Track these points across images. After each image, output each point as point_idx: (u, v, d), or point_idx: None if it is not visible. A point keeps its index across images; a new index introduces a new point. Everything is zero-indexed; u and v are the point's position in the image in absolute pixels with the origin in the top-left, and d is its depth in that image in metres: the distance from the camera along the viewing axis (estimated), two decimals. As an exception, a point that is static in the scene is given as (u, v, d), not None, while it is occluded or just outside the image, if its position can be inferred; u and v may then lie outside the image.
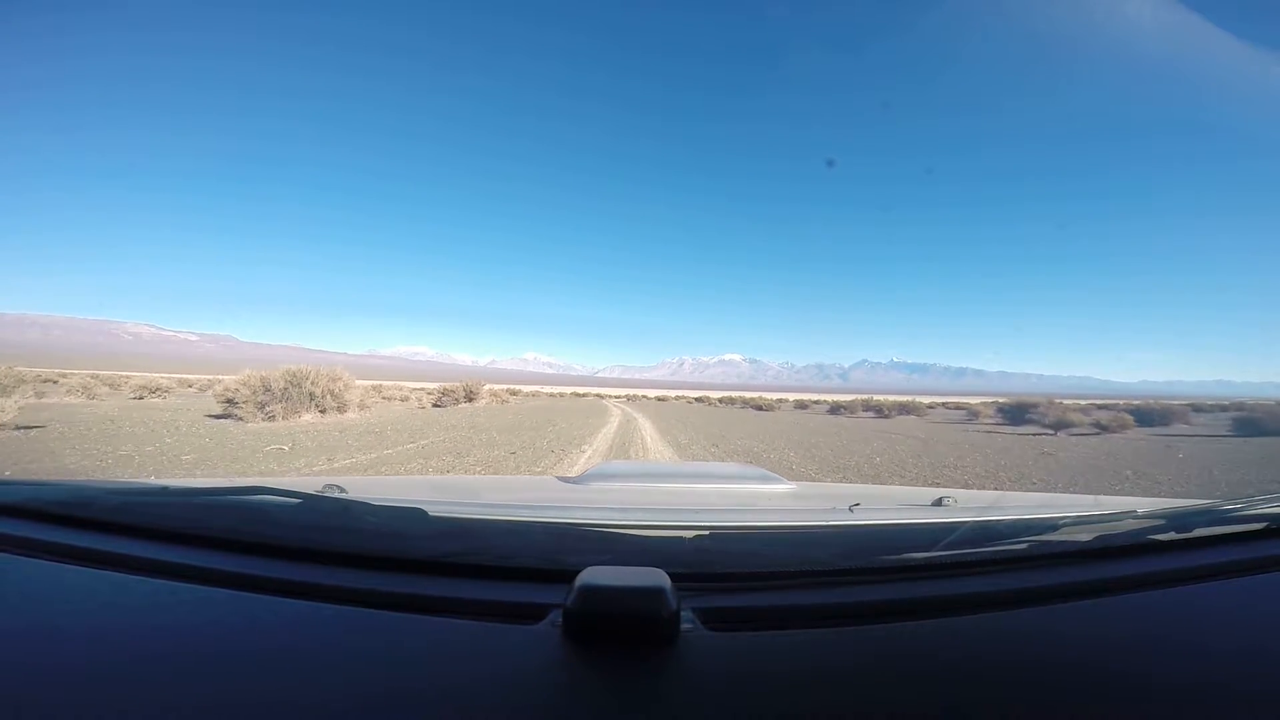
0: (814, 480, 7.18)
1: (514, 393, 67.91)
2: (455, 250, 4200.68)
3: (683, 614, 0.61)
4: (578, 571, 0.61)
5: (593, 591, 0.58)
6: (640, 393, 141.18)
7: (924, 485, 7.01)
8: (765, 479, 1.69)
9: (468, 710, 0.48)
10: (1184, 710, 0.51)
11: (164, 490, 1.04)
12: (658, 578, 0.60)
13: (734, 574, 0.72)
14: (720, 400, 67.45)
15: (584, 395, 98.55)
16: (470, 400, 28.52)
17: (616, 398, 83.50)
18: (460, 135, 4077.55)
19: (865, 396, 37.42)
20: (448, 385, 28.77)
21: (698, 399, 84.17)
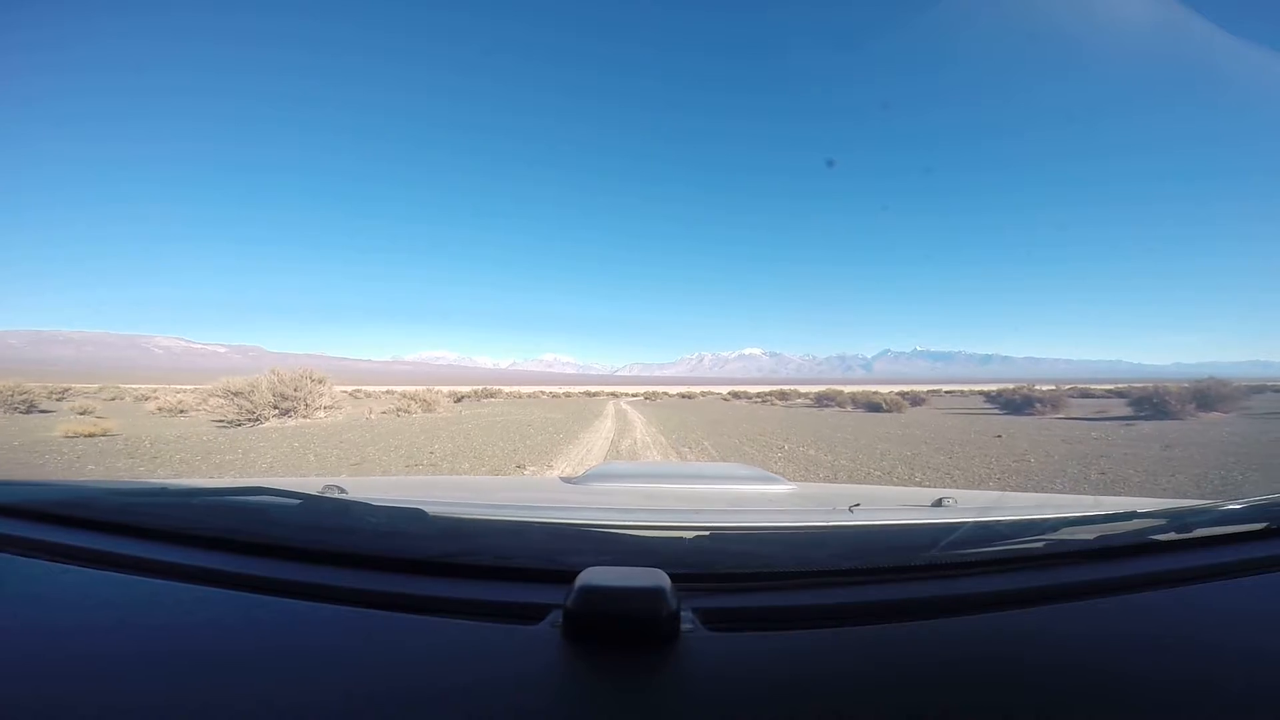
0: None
1: (491, 394, 53.76)
2: (477, 255, 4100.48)
3: (683, 614, 0.60)
4: (578, 572, 0.60)
5: (593, 592, 0.57)
6: (661, 390, 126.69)
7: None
8: (765, 479, 1.67)
9: (468, 710, 0.48)
10: (1185, 710, 0.50)
11: (164, 490, 1.03)
12: (658, 578, 0.60)
13: (734, 574, 0.72)
14: (770, 396, 50.08)
15: (595, 395, 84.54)
16: (285, 415, 13.49)
17: (631, 397, 70.15)
18: (481, 142, 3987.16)
19: (1024, 385, 22.99)
20: (234, 385, 13.77)
21: (732, 394, 68.70)
